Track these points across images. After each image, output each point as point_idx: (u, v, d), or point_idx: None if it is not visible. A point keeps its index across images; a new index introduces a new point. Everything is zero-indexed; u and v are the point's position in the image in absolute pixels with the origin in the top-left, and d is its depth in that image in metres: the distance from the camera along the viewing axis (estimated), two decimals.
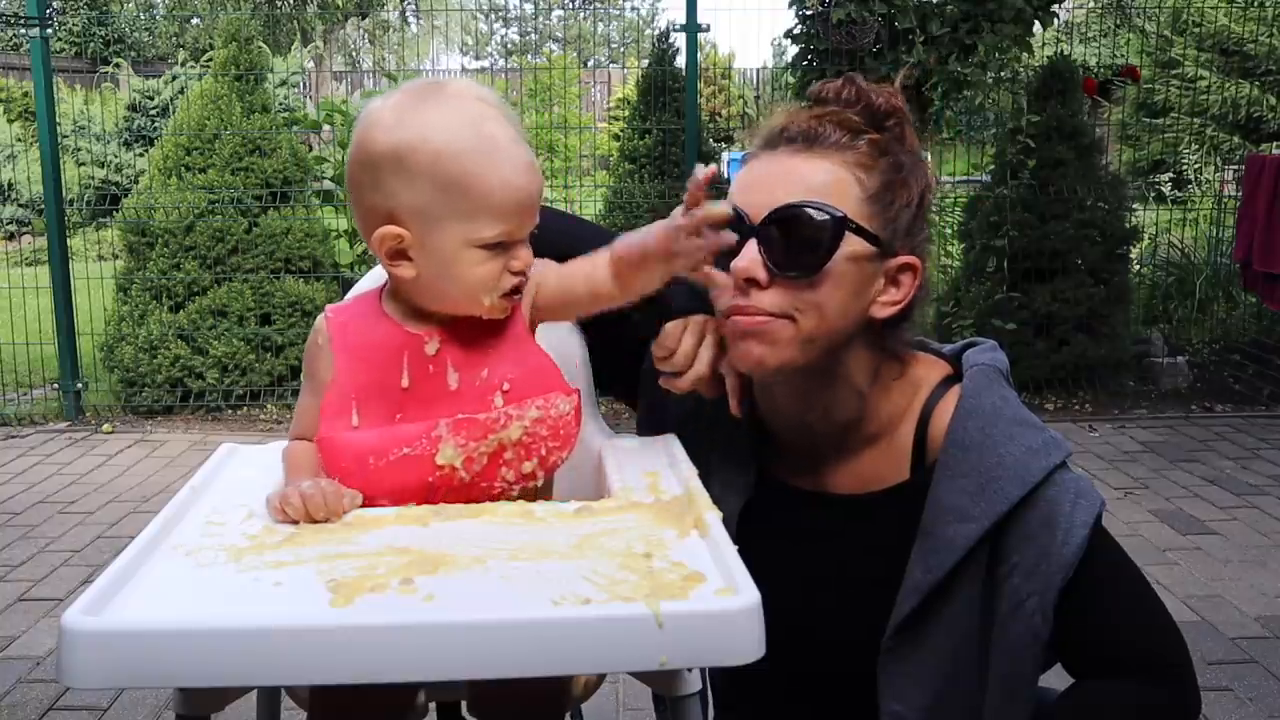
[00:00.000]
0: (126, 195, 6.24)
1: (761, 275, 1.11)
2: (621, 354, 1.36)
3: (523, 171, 1.05)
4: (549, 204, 1.66)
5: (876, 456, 1.22)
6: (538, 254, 1.12)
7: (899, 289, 1.16)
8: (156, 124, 10.48)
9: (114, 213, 6.02)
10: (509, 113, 1.08)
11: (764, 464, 1.28)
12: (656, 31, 6.22)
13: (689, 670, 0.98)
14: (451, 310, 1.09)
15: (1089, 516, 1.09)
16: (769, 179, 1.14)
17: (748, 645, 0.82)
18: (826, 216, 1.10)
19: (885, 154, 1.15)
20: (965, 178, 6.98)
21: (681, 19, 5.44)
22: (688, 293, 1.22)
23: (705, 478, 1.13)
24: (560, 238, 1.19)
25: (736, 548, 0.91)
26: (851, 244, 1.11)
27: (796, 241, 1.10)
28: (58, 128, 5.44)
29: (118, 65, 12.85)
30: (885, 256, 1.14)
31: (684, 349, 1.18)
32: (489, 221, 1.04)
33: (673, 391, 1.21)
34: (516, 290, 1.09)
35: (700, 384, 1.18)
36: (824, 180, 1.12)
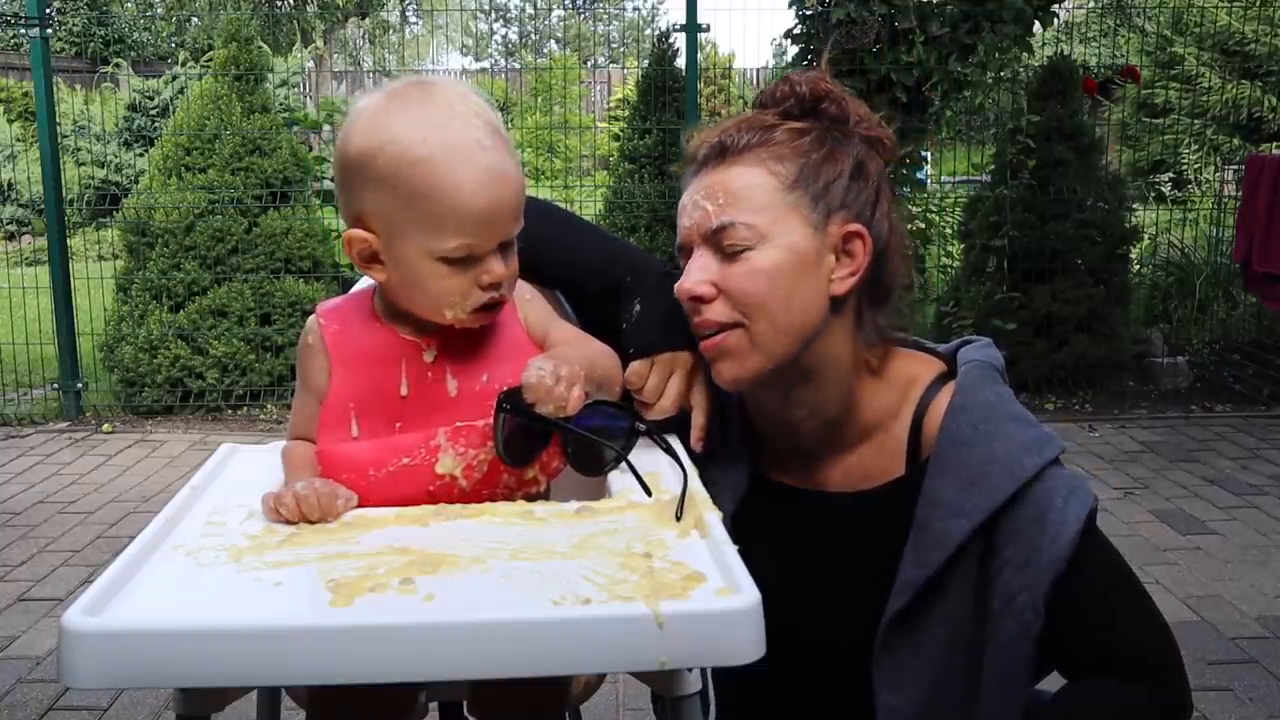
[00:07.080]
0: (126, 195, 6.24)
1: (704, 290, 1.14)
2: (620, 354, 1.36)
3: (486, 182, 1.00)
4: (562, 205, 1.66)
5: (871, 453, 1.23)
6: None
7: (852, 259, 1.16)
8: (156, 124, 10.46)
9: (114, 213, 6.02)
10: (490, 117, 1.04)
11: (758, 463, 1.28)
12: (656, 31, 6.22)
13: (689, 670, 0.98)
14: (423, 317, 1.08)
15: (1081, 513, 1.09)
16: (695, 200, 1.18)
17: (748, 645, 0.82)
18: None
19: (803, 135, 1.17)
20: (965, 178, 6.98)
21: (681, 19, 5.44)
22: (659, 326, 1.23)
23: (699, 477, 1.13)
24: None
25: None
26: (777, 236, 1.13)
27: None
28: (58, 128, 5.44)
29: (118, 65, 12.83)
30: (822, 232, 1.15)
31: (650, 386, 1.22)
32: (448, 234, 1.01)
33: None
34: (490, 306, 1.06)
35: (666, 414, 1.22)
36: (741, 185, 1.15)
